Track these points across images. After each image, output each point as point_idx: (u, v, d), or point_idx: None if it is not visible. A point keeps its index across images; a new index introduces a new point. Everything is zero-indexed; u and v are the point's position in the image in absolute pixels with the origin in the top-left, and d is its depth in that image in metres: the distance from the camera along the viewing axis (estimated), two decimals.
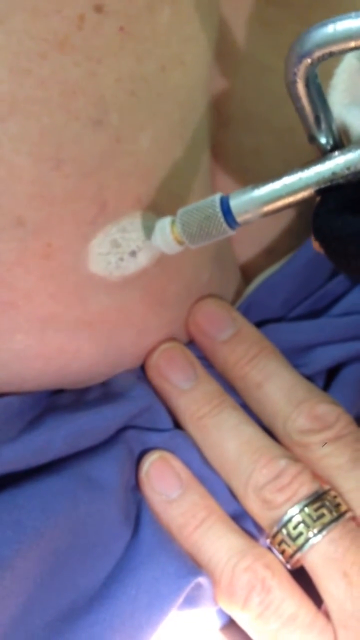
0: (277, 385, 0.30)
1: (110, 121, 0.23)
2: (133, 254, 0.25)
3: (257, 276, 0.33)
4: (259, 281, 0.33)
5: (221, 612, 0.28)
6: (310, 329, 0.32)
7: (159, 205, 0.26)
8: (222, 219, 0.23)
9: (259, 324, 0.32)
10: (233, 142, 0.31)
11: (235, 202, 0.23)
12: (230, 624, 0.29)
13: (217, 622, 0.29)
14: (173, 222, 0.24)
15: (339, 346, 0.32)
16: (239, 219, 0.23)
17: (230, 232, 0.24)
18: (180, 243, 0.24)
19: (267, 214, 0.23)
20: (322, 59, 0.20)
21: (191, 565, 0.26)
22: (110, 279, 0.25)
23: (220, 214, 0.23)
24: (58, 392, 0.29)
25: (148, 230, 0.25)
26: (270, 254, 0.34)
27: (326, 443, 0.28)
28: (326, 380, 0.33)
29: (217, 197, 0.23)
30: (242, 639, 0.28)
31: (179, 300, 0.29)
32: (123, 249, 0.25)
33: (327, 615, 0.26)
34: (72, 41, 0.21)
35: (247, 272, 0.34)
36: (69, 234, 0.23)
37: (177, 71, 0.25)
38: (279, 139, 0.32)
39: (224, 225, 0.23)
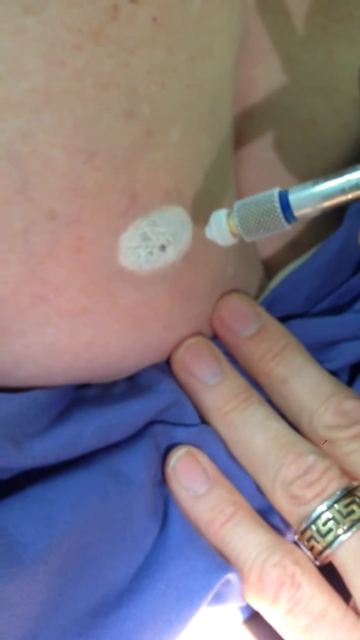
0: (303, 381, 0.29)
1: (142, 113, 0.23)
2: (162, 248, 0.25)
3: (280, 271, 0.33)
4: (282, 276, 0.33)
5: (242, 607, 0.28)
6: (334, 325, 0.32)
7: (186, 198, 0.26)
8: (280, 214, 0.23)
9: (282, 319, 0.32)
10: (257, 134, 0.31)
11: (294, 197, 0.23)
12: (250, 619, 0.29)
13: (239, 617, 0.29)
14: (229, 215, 0.24)
15: None
16: (297, 214, 0.23)
17: (287, 227, 0.24)
18: (235, 236, 0.25)
19: (326, 210, 0.23)
20: None
21: (220, 561, 0.26)
22: (140, 272, 0.25)
23: (279, 209, 0.23)
24: (84, 386, 0.29)
25: (176, 225, 0.25)
26: (293, 248, 0.34)
27: (354, 438, 0.28)
28: (349, 376, 0.33)
29: (275, 191, 0.24)
30: (264, 634, 0.28)
31: (205, 295, 0.29)
32: (153, 242, 0.25)
33: (356, 611, 0.26)
34: (106, 32, 0.21)
35: (270, 267, 0.34)
36: (100, 227, 0.23)
37: (206, 62, 0.25)
38: (302, 132, 0.31)
39: (282, 219, 0.24)
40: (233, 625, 0.29)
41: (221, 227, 0.24)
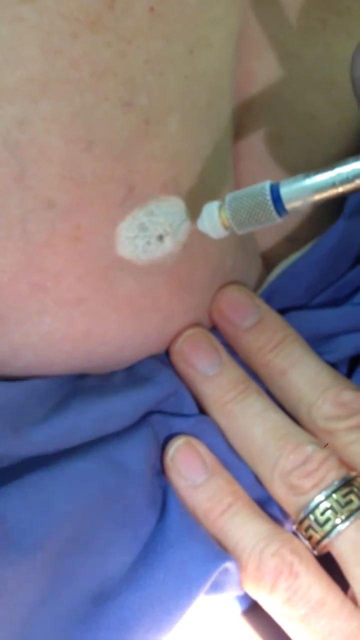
0: (302, 372, 0.29)
1: (140, 102, 0.23)
2: (160, 238, 0.25)
3: (279, 264, 0.33)
4: (281, 269, 0.33)
5: (241, 599, 0.28)
6: (333, 317, 0.32)
7: (183, 189, 0.26)
8: (271, 207, 0.23)
9: (281, 312, 0.32)
10: (255, 127, 0.31)
11: (285, 190, 0.23)
12: (249, 611, 0.29)
13: (238, 608, 0.29)
14: (221, 207, 0.25)
15: None
16: (288, 207, 0.24)
17: (278, 220, 0.24)
18: (227, 228, 0.25)
19: (317, 203, 0.23)
20: None
21: (218, 550, 0.26)
22: (137, 262, 0.25)
23: (270, 201, 0.23)
24: (83, 376, 0.29)
25: (174, 215, 0.25)
26: (292, 242, 0.34)
27: (352, 429, 0.28)
28: (348, 368, 0.33)
29: (267, 184, 0.24)
30: (262, 626, 0.28)
31: (204, 286, 0.29)
32: (150, 232, 0.25)
33: (354, 601, 0.26)
34: (103, 21, 0.21)
35: (269, 260, 0.34)
36: (97, 216, 0.23)
37: (204, 54, 0.25)
38: (301, 126, 0.31)
39: (273, 212, 0.24)
40: (231, 616, 0.29)
41: (213, 219, 0.25)
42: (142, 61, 0.22)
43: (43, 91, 0.21)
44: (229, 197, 0.24)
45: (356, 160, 0.23)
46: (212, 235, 0.25)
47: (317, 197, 0.23)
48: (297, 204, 0.23)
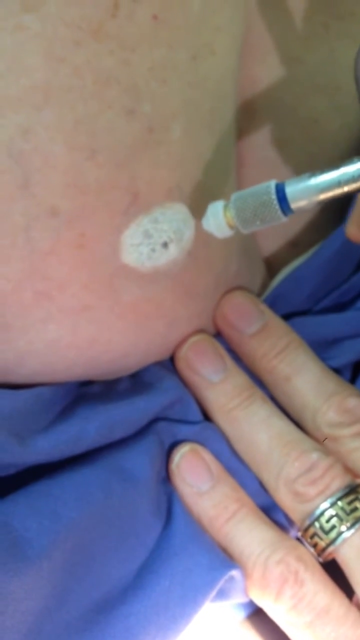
0: (306, 379, 0.29)
1: (143, 110, 0.23)
2: (165, 245, 0.25)
3: (282, 269, 0.33)
4: (285, 274, 0.33)
5: (246, 605, 0.28)
6: (337, 322, 0.32)
7: (188, 196, 0.26)
8: (277, 206, 0.23)
9: (285, 317, 0.32)
10: (259, 132, 0.31)
11: (291, 189, 0.23)
12: (254, 617, 0.29)
13: (241, 614, 0.29)
14: (226, 207, 0.24)
15: None
16: (293, 206, 0.24)
17: (284, 219, 0.24)
18: (232, 228, 0.25)
19: (322, 202, 0.23)
20: None
21: (224, 558, 0.26)
22: (142, 270, 0.25)
23: (275, 200, 0.23)
24: (88, 383, 0.29)
25: (178, 222, 0.25)
26: (295, 247, 0.34)
27: (357, 436, 0.28)
28: (352, 373, 0.33)
29: (272, 183, 0.24)
30: (268, 632, 0.28)
31: (208, 292, 0.29)
32: (155, 239, 0.25)
33: (359, 608, 0.26)
34: (106, 29, 0.21)
35: (272, 266, 0.34)
36: (102, 224, 0.23)
37: (207, 60, 0.25)
38: (304, 130, 0.31)
39: (279, 212, 0.24)
40: (235, 623, 0.29)
41: (218, 218, 0.24)
42: (145, 69, 0.22)
43: (46, 100, 0.21)
44: (234, 196, 0.24)
45: None
46: (217, 234, 0.25)
47: (323, 196, 0.23)
48: (302, 203, 0.23)
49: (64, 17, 0.20)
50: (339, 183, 0.23)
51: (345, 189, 0.23)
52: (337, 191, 0.23)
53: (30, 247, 0.23)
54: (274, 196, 0.23)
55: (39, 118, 0.21)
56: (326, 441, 0.28)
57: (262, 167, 0.32)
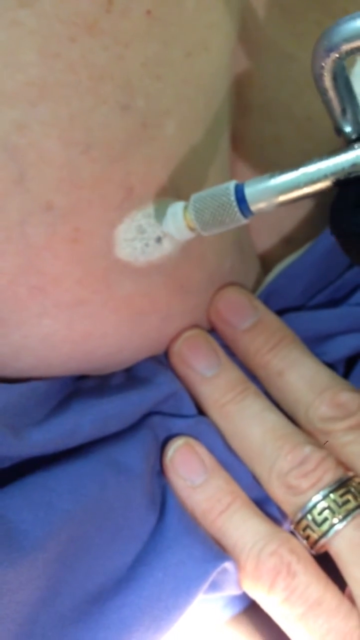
0: (299, 373, 0.30)
1: (137, 106, 0.23)
2: (158, 240, 0.25)
3: (276, 265, 0.33)
4: (279, 270, 0.33)
5: (237, 600, 0.28)
6: (330, 318, 0.32)
7: (181, 192, 0.26)
8: (235, 208, 0.23)
9: (279, 313, 0.32)
10: (253, 130, 0.31)
11: (250, 191, 0.22)
12: (248, 610, 0.29)
13: (234, 609, 0.29)
14: (186, 208, 0.24)
15: (359, 335, 0.32)
16: (253, 208, 0.23)
17: (244, 221, 0.23)
18: (192, 229, 0.24)
19: (282, 204, 0.22)
20: (350, 53, 0.20)
21: (217, 550, 0.26)
22: (136, 264, 0.25)
23: (234, 203, 0.23)
24: (83, 377, 0.29)
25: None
26: (289, 243, 0.34)
27: (349, 430, 0.28)
28: (346, 368, 0.33)
29: (231, 184, 0.23)
30: (261, 625, 0.28)
31: (202, 287, 0.29)
32: (148, 234, 0.25)
33: (351, 600, 0.26)
34: (100, 24, 0.21)
35: (266, 262, 0.34)
36: (96, 218, 0.24)
37: (201, 57, 0.25)
38: (298, 128, 0.32)
39: (238, 213, 0.23)
40: (229, 616, 0.29)
41: (177, 220, 0.24)
42: (139, 64, 0.23)
43: (41, 95, 0.21)
44: (193, 197, 0.24)
45: (321, 159, 0.22)
46: (176, 237, 0.24)
47: (282, 198, 0.22)
48: (262, 205, 0.22)
49: (59, 13, 0.20)
50: (299, 185, 0.22)
51: (305, 190, 0.22)
52: (297, 193, 0.22)
53: (25, 242, 0.23)
54: (232, 197, 0.22)
55: (34, 113, 0.21)
56: (319, 435, 0.29)
57: (257, 165, 0.32)
